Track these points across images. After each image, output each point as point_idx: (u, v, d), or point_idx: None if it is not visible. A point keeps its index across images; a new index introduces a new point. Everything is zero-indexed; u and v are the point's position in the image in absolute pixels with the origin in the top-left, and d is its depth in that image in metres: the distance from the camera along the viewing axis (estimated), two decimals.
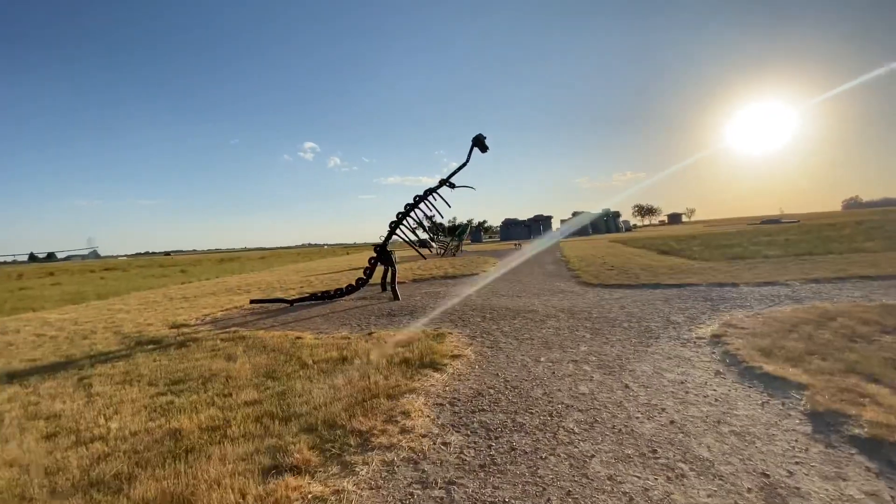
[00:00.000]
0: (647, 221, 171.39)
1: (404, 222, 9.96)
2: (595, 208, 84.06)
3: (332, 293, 9.45)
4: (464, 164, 10.36)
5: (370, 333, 6.16)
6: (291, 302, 9.15)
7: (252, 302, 9.03)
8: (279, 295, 11.07)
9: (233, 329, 7.09)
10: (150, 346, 6.22)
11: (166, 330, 7.38)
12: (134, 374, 4.84)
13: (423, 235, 10.78)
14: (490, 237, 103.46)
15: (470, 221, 34.66)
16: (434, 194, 10.24)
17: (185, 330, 7.27)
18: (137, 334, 7.12)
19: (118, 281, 19.95)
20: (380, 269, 10.18)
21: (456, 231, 31.02)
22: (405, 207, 10.05)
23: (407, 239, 10.10)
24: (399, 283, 12.34)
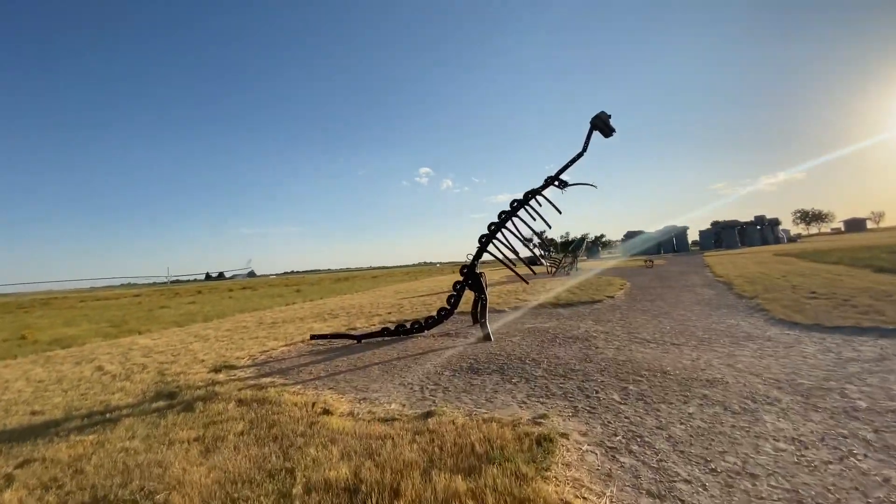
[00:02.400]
0: (814, 230, 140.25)
1: (498, 235, 7.52)
2: (738, 216, 70.60)
3: (408, 327, 7.41)
4: (579, 155, 7.59)
5: (428, 415, 3.79)
6: (359, 339, 7.32)
7: (312, 338, 7.43)
8: (360, 325, 9.46)
9: (268, 380, 5.40)
10: (162, 403, 4.77)
11: (205, 373, 6.04)
12: (55, 474, 3.19)
13: (525, 251, 8.14)
14: (609, 253, 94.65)
15: (585, 236, 30.48)
16: (538, 197, 7.63)
17: (221, 377, 5.80)
18: (173, 380, 5.86)
19: (238, 301, 21.13)
20: (470, 294, 7.85)
21: (569, 246, 27.34)
22: (500, 216, 7.62)
23: (502, 257, 7.62)
24: (494, 310, 9.92)
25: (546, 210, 7.69)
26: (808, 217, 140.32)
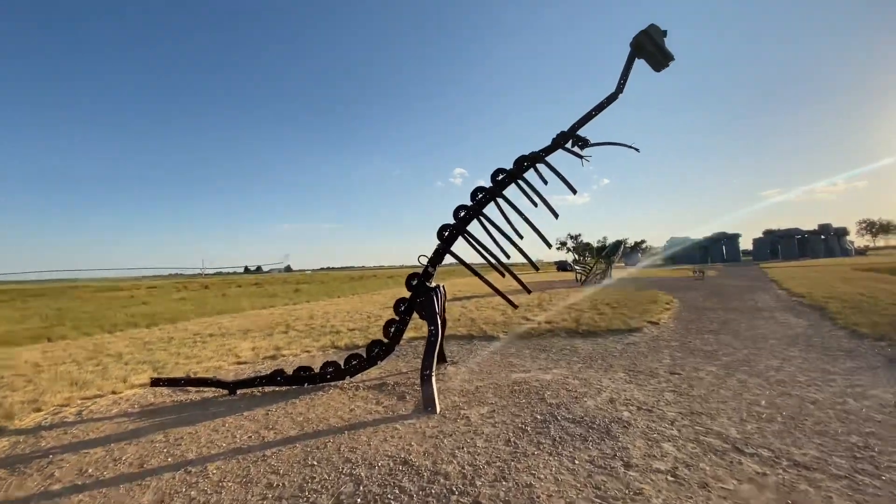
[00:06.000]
0: (880, 241, 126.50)
1: (473, 229, 4.60)
2: (794, 225, 63.29)
3: (315, 372, 4.63)
4: (612, 97, 4.63)
5: None
6: (232, 387, 4.59)
7: (155, 384, 4.74)
8: (305, 346, 6.77)
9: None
10: None
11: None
12: None
13: (518, 252, 4.99)
14: (651, 260, 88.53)
15: (623, 240, 26.86)
16: (539, 166, 4.69)
17: None
18: None
19: (222, 300, 19.10)
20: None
21: (603, 252, 23.78)
22: (474, 197, 4.72)
23: (486, 259, 4.71)
24: (478, 337, 6.82)
25: (554, 188, 4.72)
26: (874, 228, 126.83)
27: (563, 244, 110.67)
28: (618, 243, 25.64)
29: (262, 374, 4.72)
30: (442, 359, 5.59)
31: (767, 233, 64.93)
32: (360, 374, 4.81)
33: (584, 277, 21.35)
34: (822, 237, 59.41)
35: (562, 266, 50.58)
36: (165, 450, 3.30)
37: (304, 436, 3.41)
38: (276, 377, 4.58)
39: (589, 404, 3.85)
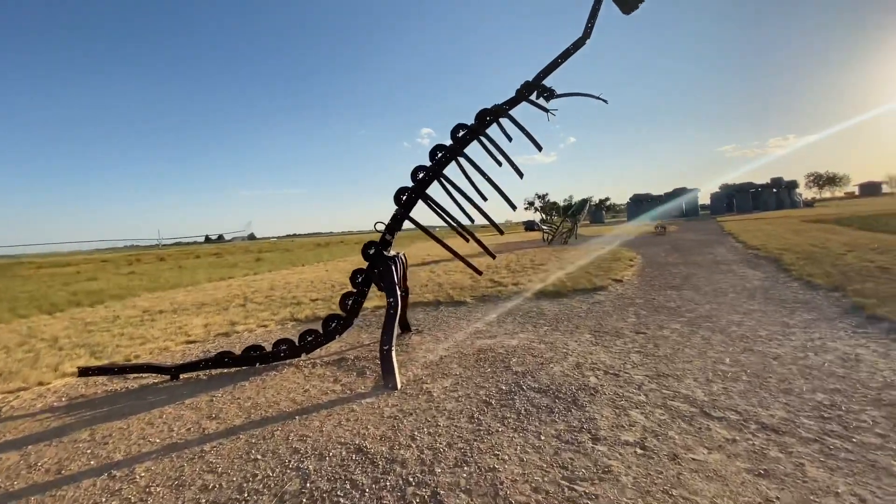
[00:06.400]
0: (826, 194, 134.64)
1: (437, 189, 4.24)
2: (747, 179, 66.01)
3: (269, 350, 4.29)
4: (578, 43, 4.24)
5: None
6: (173, 372, 4.18)
7: (83, 374, 4.28)
8: (263, 319, 6.35)
9: None
10: None
11: None
12: None
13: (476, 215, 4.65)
14: (615, 217, 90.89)
15: (588, 199, 27.04)
16: (502, 121, 4.32)
17: None
18: None
19: (177, 273, 18.06)
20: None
21: (569, 211, 23.94)
22: (433, 156, 4.32)
23: (449, 223, 4.39)
24: (445, 303, 6.61)
25: (516, 144, 4.37)
26: (821, 180, 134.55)
27: (531, 204, 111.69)
28: (583, 202, 25.83)
29: (208, 356, 4.33)
30: (406, 328, 5.35)
31: (724, 187, 67.47)
32: (317, 350, 4.50)
33: (550, 237, 21.50)
34: (774, 190, 62.34)
35: (529, 226, 50.92)
36: (90, 450, 2.93)
37: (251, 424, 3.11)
38: (224, 359, 4.20)
39: (555, 370, 3.72)
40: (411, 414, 3.06)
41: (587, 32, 4.19)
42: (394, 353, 3.67)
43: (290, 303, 8.26)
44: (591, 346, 4.36)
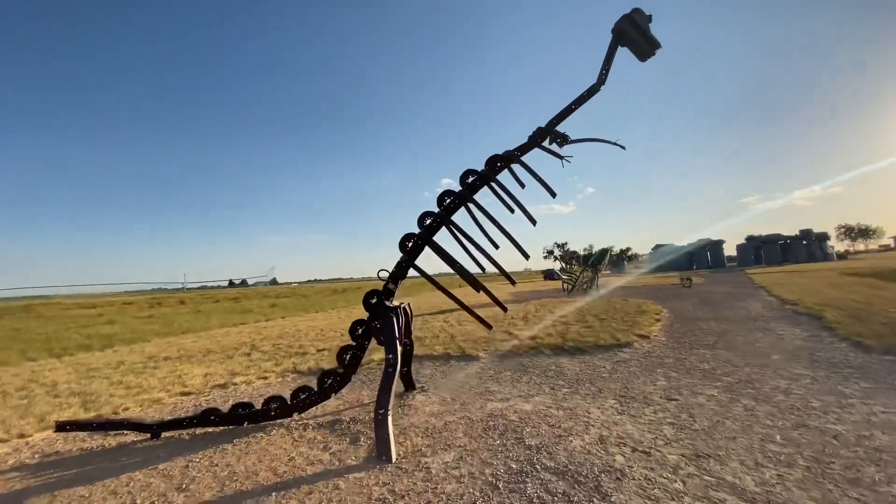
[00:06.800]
0: (860, 246, 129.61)
1: (443, 238, 4.00)
2: (773, 230, 64.25)
3: (259, 409, 3.93)
4: (593, 89, 4.11)
5: None
6: (154, 430, 3.85)
7: (60, 429, 3.97)
8: (265, 372, 6.01)
9: None
10: None
11: None
12: None
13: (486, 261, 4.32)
14: (637, 268, 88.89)
15: (608, 248, 26.45)
16: (514, 167, 4.14)
17: None
18: None
19: (202, 317, 18.09)
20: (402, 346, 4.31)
21: (589, 260, 23.40)
22: (441, 203, 4.12)
23: (458, 272, 4.10)
24: (456, 357, 6.03)
25: (532, 192, 4.16)
26: (853, 232, 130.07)
27: (550, 252, 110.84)
28: (604, 251, 25.30)
29: (194, 414, 4.00)
30: (410, 385, 4.92)
31: (750, 239, 65.69)
32: (312, 409, 4.12)
33: (571, 287, 20.87)
34: (804, 242, 60.26)
35: (548, 275, 50.34)
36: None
37: (222, 500, 2.72)
38: (210, 416, 3.87)
39: (575, 445, 3.23)
40: (402, 497, 2.61)
41: (601, 79, 4.06)
42: (390, 420, 3.26)
43: (296, 352, 7.93)
44: (617, 415, 3.85)
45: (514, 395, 4.57)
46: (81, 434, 4.13)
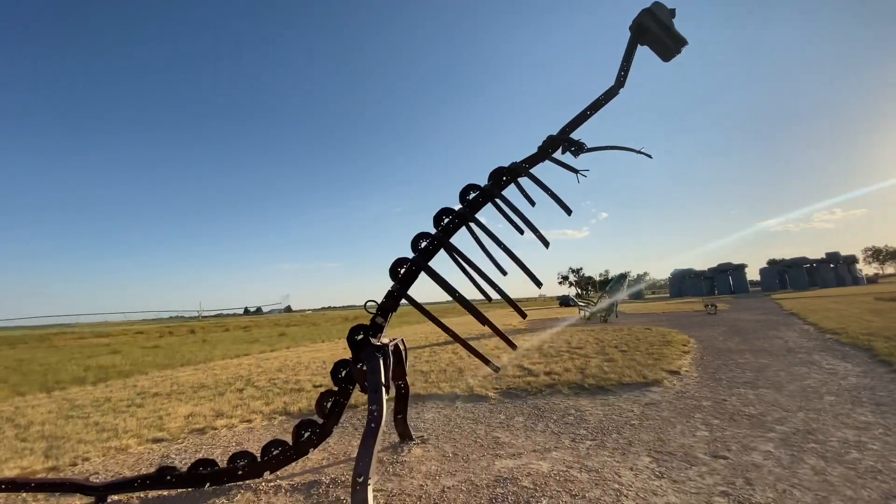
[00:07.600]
0: (889, 269, 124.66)
1: (442, 262, 3.46)
2: (794, 253, 62.07)
3: (223, 468, 3.32)
4: (611, 92, 3.59)
5: None
6: (101, 493, 3.25)
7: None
8: (273, 404, 5.41)
9: None
10: None
11: None
12: None
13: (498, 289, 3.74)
14: (654, 293, 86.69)
15: (626, 273, 25.52)
16: (523, 180, 3.61)
17: None
18: None
19: (208, 346, 17.67)
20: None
21: (607, 286, 22.49)
22: (438, 223, 3.59)
23: (459, 302, 3.53)
24: (464, 396, 5.15)
25: (543, 214, 3.61)
26: (881, 255, 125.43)
27: (565, 278, 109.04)
28: (621, 276, 24.36)
29: (147, 473, 3.40)
30: (406, 436, 4.26)
31: (773, 262, 63.58)
32: (288, 466, 3.50)
33: (589, 314, 19.93)
34: (832, 266, 57.96)
35: (564, 301, 49.14)
36: None
37: None
38: (166, 476, 3.27)
39: None
40: None
41: (620, 81, 3.56)
42: (370, 489, 2.62)
43: (291, 388, 7.33)
44: (654, 479, 3.13)
45: (528, 450, 3.87)
46: (22, 494, 3.56)
